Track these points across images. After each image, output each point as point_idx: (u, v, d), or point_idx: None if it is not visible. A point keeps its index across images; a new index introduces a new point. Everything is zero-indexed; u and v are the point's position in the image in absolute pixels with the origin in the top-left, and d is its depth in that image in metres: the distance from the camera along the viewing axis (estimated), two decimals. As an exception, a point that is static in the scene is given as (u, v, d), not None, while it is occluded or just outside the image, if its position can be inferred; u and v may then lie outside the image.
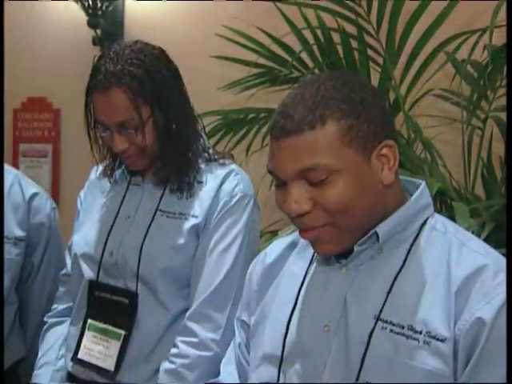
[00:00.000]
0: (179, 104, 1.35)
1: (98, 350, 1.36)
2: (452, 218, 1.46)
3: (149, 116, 1.30)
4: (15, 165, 2.74)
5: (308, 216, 0.91)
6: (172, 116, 1.34)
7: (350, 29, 2.05)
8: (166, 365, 1.31)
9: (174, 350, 1.31)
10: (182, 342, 1.31)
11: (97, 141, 1.39)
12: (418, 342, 0.88)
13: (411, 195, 0.98)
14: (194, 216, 1.35)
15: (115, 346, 1.34)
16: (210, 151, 1.42)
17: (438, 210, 1.79)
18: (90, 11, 2.61)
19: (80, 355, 1.38)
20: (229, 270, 1.31)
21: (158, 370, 1.33)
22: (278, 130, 0.91)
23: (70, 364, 1.41)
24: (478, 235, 1.44)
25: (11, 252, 1.54)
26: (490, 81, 1.85)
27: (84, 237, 1.43)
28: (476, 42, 1.89)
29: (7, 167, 1.61)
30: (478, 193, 1.94)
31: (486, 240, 1.43)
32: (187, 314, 1.32)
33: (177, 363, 1.30)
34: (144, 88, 1.28)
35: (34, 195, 1.60)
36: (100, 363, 1.35)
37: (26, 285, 1.62)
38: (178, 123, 1.35)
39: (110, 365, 1.34)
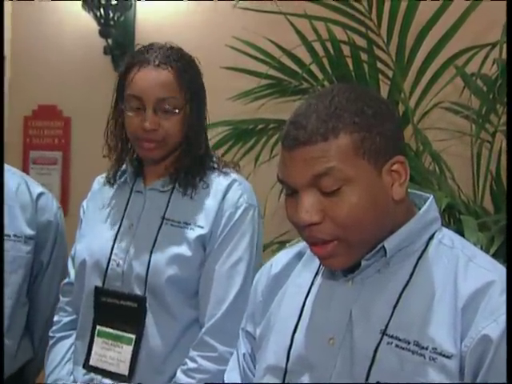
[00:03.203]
0: (204, 105, 1.41)
1: (110, 355, 1.37)
2: (460, 232, 1.46)
3: (186, 102, 1.35)
4: (25, 172, 2.75)
5: (317, 227, 0.90)
6: (200, 112, 1.39)
7: (360, 42, 2.06)
8: (183, 379, 1.31)
9: (192, 365, 1.32)
10: (201, 356, 1.31)
11: (115, 130, 1.42)
12: (424, 357, 0.87)
13: (419, 208, 0.98)
14: (199, 226, 1.35)
15: (127, 350, 1.35)
16: (214, 159, 1.44)
17: (447, 224, 1.79)
18: (102, 21, 2.64)
19: (92, 362, 1.39)
20: (242, 284, 1.32)
21: (169, 382, 1.34)
22: (290, 141, 0.91)
23: (83, 372, 1.40)
24: (487, 249, 1.44)
25: (22, 250, 1.56)
26: (500, 95, 1.86)
27: (88, 246, 1.43)
28: (486, 56, 1.90)
29: (12, 169, 1.64)
30: (486, 206, 1.93)
31: (495, 254, 1.43)
32: (204, 329, 1.33)
33: (197, 378, 1.30)
34: (186, 75, 1.36)
35: (41, 195, 1.63)
36: (113, 369, 1.36)
37: (35, 285, 1.63)
38: (202, 122, 1.40)
39: (123, 369, 1.35)
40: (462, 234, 1.45)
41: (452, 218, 1.83)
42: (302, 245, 1.07)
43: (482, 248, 1.41)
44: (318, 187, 0.90)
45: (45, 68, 2.86)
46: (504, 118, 1.93)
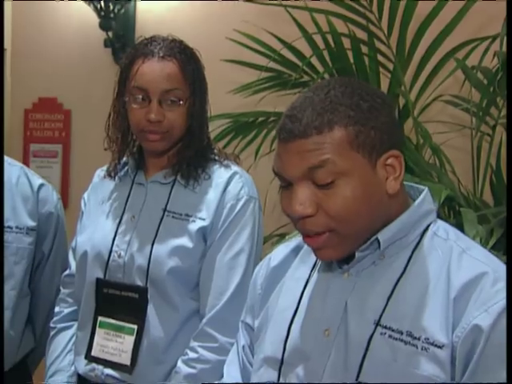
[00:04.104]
0: (206, 97, 1.42)
1: (112, 346, 1.38)
2: (460, 225, 1.46)
3: (190, 93, 1.37)
4: (25, 165, 2.75)
5: (310, 220, 0.91)
6: (202, 104, 1.40)
7: (361, 34, 2.06)
8: (184, 369, 1.33)
9: (192, 355, 1.33)
10: (202, 347, 1.32)
11: (117, 123, 1.42)
12: (417, 348, 0.88)
13: (414, 200, 0.98)
14: (200, 218, 1.36)
15: (129, 340, 1.36)
16: (215, 151, 1.45)
17: (447, 216, 1.80)
18: (102, 14, 2.63)
19: (93, 353, 1.40)
20: (243, 275, 1.33)
21: (170, 372, 1.35)
22: (285, 133, 0.92)
23: (84, 362, 1.42)
24: (487, 242, 1.44)
25: (24, 241, 1.56)
26: (500, 88, 1.86)
27: (89, 237, 1.44)
28: (486, 49, 1.90)
29: (11, 160, 1.64)
30: (486, 199, 1.94)
31: (494, 247, 1.43)
32: (205, 319, 1.34)
33: (197, 368, 1.32)
34: (189, 67, 1.37)
35: (41, 186, 1.63)
36: (115, 359, 1.37)
37: (36, 275, 1.64)
38: (205, 114, 1.41)
39: (125, 359, 1.36)
40: (461, 227, 1.46)
41: (452, 210, 1.84)
42: (299, 239, 1.08)
43: (481, 240, 1.41)
44: (313, 180, 0.90)
45: (45, 61, 2.85)
46: (504, 111, 1.93)
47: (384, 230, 0.93)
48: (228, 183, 1.38)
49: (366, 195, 0.90)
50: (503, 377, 0.84)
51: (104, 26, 2.65)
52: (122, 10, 2.66)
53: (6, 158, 1.62)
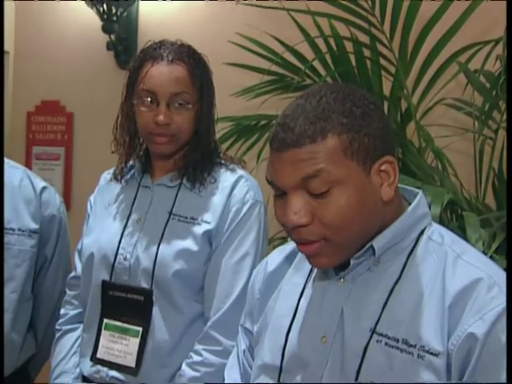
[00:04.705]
0: (213, 102, 1.43)
1: (117, 348, 1.38)
2: (463, 228, 1.46)
3: (198, 97, 1.38)
4: (28, 167, 2.75)
5: (305, 229, 0.91)
6: (210, 108, 1.41)
7: (363, 38, 2.06)
8: (188, 372, 1.33)
9: (197, 358, 1.33)
10: (206, 350, 1.33)
11: (124, 126, 1.43)
12: (412, 355, 0.88)
13: (409, 203, 0.98)
14: (206, 222, 1.37)
15: (134, 343, 1.36)
16: (221, 155, 1.46)
17: (449, 220, 1.79)
18: (105, 17, 2.63)
19: (99, 355, 1.40)
20: (248, 278, 1.31)
21: (174, 375, 1.35)
22: (278, 143, 0.91)
23: (89, 364, 1.42)
24: (489, 246, 1.44)
25: (26, 243, 1.56)
26: (503, 91, 1.85)
27: (96, 240, 1.45)
28: (489, 53, 1.90)
29: (13, 163, 1.64)
30: (488, 203, 1.94)
31: (496, 250, 1.43)
32: (209, 322, 1.34)
33: (201, 371, 1.32)
34: (197, 71, 1.38)
35: (44, 189, 1.63)
36: (120, 361, 1.37)
37: (39, 279, 1.63)
38: (212, 117, 1.42)
39: (130, 362, 1.36)
40: (464, 231, 1.46)
41: (454, 214, 1.84)
42: (294, 244, 1.08)
43: (483, 244, 1.41)
44: (307, 189, 0.90)
45: (47, 63, 2.86)
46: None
47: (379, 237, 0.93)
48: (234, 187, 1.39)
49: (360, 203, 0.90)
50: (501, 379, 0.84)
51: (106, 28, 2.66)
52: (125, 13, 2.66)
53: (8, 160, 1.62)
